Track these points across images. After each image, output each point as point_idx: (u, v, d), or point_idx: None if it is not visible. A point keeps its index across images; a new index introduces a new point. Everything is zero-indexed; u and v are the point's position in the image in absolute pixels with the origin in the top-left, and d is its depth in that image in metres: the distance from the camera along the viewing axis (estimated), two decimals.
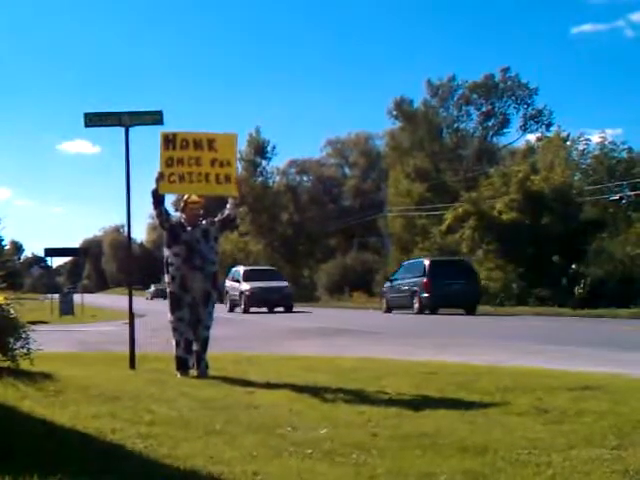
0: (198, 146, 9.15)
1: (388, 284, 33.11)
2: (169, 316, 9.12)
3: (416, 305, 29.38)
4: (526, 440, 5.07)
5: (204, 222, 9.23)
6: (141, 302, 45.95)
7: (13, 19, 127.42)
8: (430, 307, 29.14)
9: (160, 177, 9.06)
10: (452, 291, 28.57)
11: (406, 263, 34.68)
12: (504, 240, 36.80)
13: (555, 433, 5.34)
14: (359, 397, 7.18)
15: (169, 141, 9.15)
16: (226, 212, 9.46)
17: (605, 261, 33.08)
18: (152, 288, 74.45)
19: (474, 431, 5.41)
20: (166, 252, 9.20)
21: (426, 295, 28.83)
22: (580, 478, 4.14)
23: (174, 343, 9.04)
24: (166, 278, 9.24)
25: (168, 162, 9.09)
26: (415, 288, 29.56)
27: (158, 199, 9.21)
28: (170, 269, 9.09)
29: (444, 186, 51.99)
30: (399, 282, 31.61)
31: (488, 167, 48.32)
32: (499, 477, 4.16)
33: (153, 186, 9.13)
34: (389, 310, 31.89)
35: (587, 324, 22.13)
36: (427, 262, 30.61)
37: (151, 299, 70.43)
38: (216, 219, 9.37)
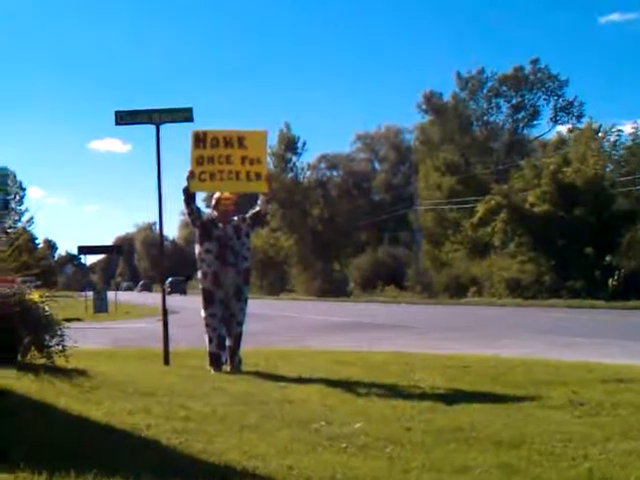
0: (228, 144, 9.18)
1: None
2: (202, 312, 9.16)
3: None
4: (561, 433, 5.04)
5: (235, 218, 9.26)
6: (174, 299, 46.19)
7: (43, 17, 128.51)
8: None
9: (191, 175, 9.11)
10: None
11: None
12: (536, 232, 36.56)
13: (591, 426, 5.31)
14: (392, 391, 7.17)
15: (200, 140, 9.19)
16: (257, 208, 9.49)
17: (638, 252, 32.77)
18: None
19: (509, 425, 5.39)
20: (198, 249, 9.22)
21: None
22: (617, 471, 4.10)
23: (207, 339, 9.09)
24: (198, 275, 9.28)
25: (199, 160, 9.13)
26: None
27: (189, 197, 9.24)
28: (202, 265, 9.13)
29: (474, 179, 51.68)
30: None
31: (519, 159, 47.96)
32: (535, 470, 4.14)
33: (184, 184, 9.17)
34: None
35: (621, 316, 21.95)
36: None
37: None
38: (247, 215, 9.39)
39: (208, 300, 9.07)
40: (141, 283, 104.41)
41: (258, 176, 9.23)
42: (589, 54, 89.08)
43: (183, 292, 73.70)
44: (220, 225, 9.12)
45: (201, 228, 9.20)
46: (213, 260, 9.04)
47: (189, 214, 9.36)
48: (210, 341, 9.04)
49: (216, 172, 9.14)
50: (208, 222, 9.23)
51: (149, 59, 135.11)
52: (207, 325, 9.08)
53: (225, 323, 9.07)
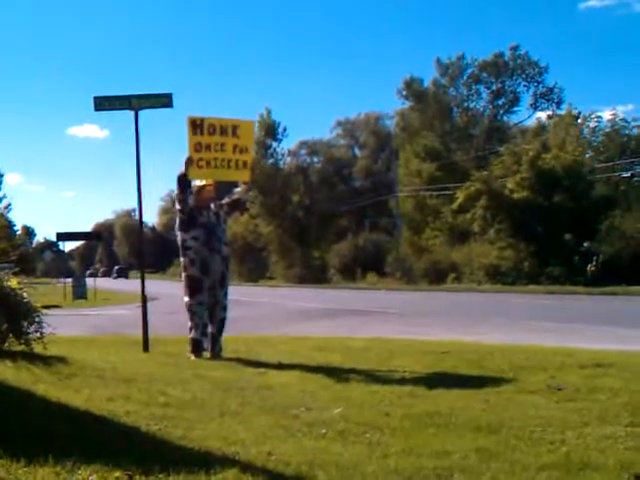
0: (224, 132, 9.22)
1: None
2: (186, 299, 9.08)
3: None
4: (539, 418, 5.07)
5: (212, 205, 9.23)
6: (153, 285, 45.89)
7: (20, 2, 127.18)
8: None
9: (189, 162, 9.05)
10: None
11: None
12: (515, 219, 36.72)
13: (569, 411, 5.34)
14: (372, 377, 7.19)
15: (197, 126, 9.15)
16: (235, 196, 9.51)
17: (617, 238, 33.01)
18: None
19: (487, 410, 5.41)
20: (182, 236, 9.11)
21: None
22: (594, 455, 4.13)
23: (191, 326, 9.02)
24: (182, 261, 9.20)
25: (197, 147, 9.10)
26: None
27: (185, 184, 9.15)
28: (188, 252, 9.04)
29: (454, 166, 51.77)
30: None
31: (499, 146, 48.06)
32: (513, 455, 4.16)
33: (181, 170, 9.07)
34: None
35: (599, 302, 22.09)
36: None
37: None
38: (223, 202, 9.38)
39: (196, 288, 8.99)
40: (101, 270, 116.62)
41: (244, 165, 9.33)
42: (569, 40, 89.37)
43: (126, 277, 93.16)
44: (203, 212, 9.09)
45: (188, 215, 9.12)
46: (200, 247, 8.98)
47: (182, 200, 9.15)
48: (196, 328, 8.97)
49: (212, 159, 9.15)
50: (194, 209, 9.17)
51: (129, 44, 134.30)
52: (193, 312, 9.00)
53: (209, 309, 9.05)
